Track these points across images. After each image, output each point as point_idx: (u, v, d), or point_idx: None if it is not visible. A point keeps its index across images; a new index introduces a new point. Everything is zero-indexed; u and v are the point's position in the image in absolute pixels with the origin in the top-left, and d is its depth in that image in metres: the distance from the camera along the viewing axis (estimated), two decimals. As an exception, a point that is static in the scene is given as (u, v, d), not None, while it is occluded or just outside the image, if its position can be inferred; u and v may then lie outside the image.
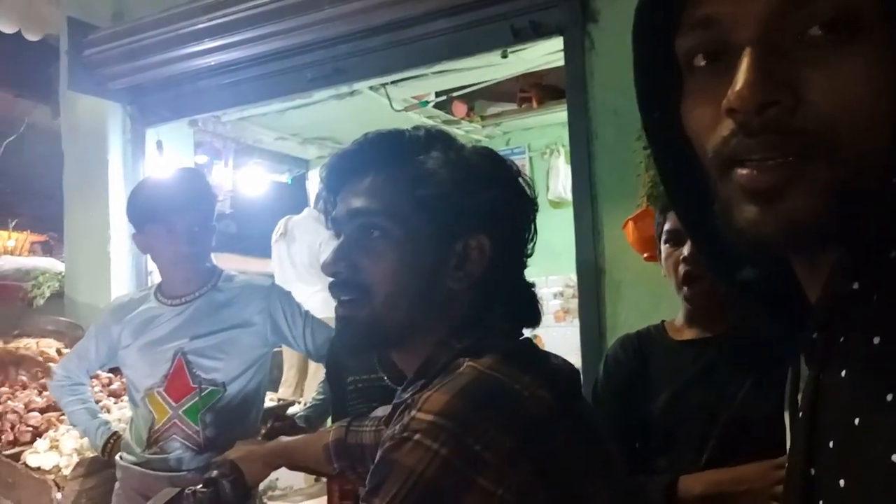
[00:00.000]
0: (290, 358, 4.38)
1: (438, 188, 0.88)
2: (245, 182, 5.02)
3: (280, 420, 2.02)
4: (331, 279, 0.92)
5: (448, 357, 0.86)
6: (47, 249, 7.94)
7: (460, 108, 4.88)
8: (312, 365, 4.27)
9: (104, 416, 2.30)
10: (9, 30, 4.55)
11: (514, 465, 0.72)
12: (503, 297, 0.93)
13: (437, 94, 4.44)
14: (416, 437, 0.73)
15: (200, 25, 3.33)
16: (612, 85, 2.53)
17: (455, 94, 4.52)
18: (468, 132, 5.18)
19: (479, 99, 5.01)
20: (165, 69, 3.64)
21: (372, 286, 0.89)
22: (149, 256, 3.92)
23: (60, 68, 3.98)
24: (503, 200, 0.91)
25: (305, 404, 2.58)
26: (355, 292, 0.90)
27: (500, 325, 0.91)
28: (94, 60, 3.70)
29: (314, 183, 5.51)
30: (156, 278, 3.94)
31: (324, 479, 3.38)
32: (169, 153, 3.92)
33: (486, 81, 4.15)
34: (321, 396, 2.06)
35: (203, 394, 1.94)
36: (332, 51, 3.18)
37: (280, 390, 4.23)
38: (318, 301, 4.47)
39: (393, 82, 3.81)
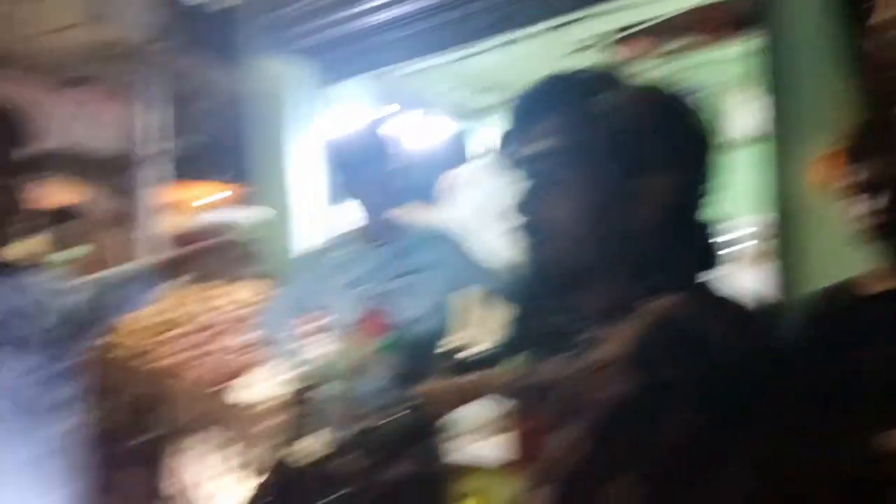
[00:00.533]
0: (467, 300, 4.50)
1: (617, 128, 0.88)
2: (421, 132, 5.15)
3: (459, 359, 2.16)
4: (513, 223, 0.95)
5: (629, 298, 0.86)
6: (239, 202, 8.69)
7: (636, 46, 4.68)
8: (482, 307, 4.37)
9: (305, 353, 2.52)
10: (191, 0, 4.92)
11: (693, 405, 0.73)
12: (683, 239, 0.92)
13: (611, 33, 4.29)
14: (611, 368, 0.76)
15: (377, -21, 3.43)
16: (805, 11, 2.32)
17: (630, 31, 4.34)
18: (645, 70, 4.95)
19: (655, 35, 4.77)
20: (345, 26, 3.79)
21: (556, 229, 0.91)
22: (333, 207, 4.22)
23: (248, 32, 4.26)
24: (682, 139, 0.90)
25: (481, 346, 2.67)
26: (539, 235, 0.92)
27: (681, 267, 0.90)
28: (278, 22, 3.94)
29: (486, 132, 5.56)
30: (338, 227, 4.21)
31: (506, 416, 3.51)
32: (351, 107, 4.11)
33: (662, 16, 3.94)
34: (503, 338, 2.13)
35: (398, 332, 2.10)
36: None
37: (458, 332, 4.36)
38: (493, 246, 4.57)
39: (566, 24, 3.72)
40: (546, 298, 1.25)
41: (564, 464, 0.77)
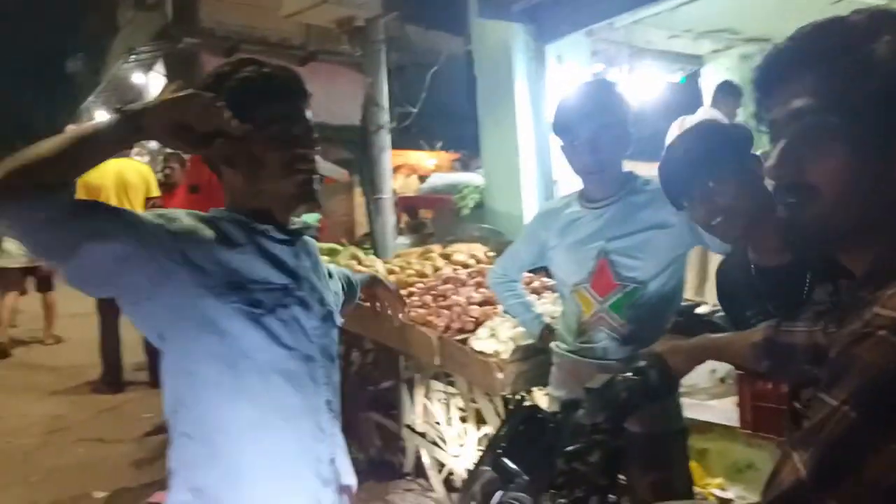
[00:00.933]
0: (690, 260, 4.35)
1: (891, 78, 0.81)
2: (639, 85, 5.00)
3: (686, 316, 2.09)
4: (775, 182, 0.91)
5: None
6: (462, 165, 9.03)
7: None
8: (712, 267, 4.20)
9: (537, 309, 2.60)
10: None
11: None
12: None
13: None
14: (881, 332, 0.72)
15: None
16: None
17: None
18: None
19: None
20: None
21: (821, 187, 0.86)
22: (555, 167, 4.26)
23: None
24: None
25: (713, 305, 2.58)
26: (803, 194, 0.88)
27: None
28: (496, -13, 4.01)
29: (709, 80, 5.26)
30: (560, 187, 4.26)
31: (728, 381, 3.38)
32: (568, 65, 4.10)
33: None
34: (743, 299, 2.04)
35: (626, 290, 2.05)
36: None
37: (692, 290, 4.25)
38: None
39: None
40: (799, 263, 1.18)
41: (825, 432, 0.73)
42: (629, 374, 1.41)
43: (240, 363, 1.29)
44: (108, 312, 5.70)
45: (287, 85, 1.40)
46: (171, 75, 14.20)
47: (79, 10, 23.11)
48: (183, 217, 1.31)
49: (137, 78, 15.50)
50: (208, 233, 1.31)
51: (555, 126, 2.13)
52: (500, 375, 2.67)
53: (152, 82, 15.18)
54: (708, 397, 3.39)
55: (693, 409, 3.16)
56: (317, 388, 1.41)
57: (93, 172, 5.28)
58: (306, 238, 1.51)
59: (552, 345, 2.30)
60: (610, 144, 2.03)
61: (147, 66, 14.55)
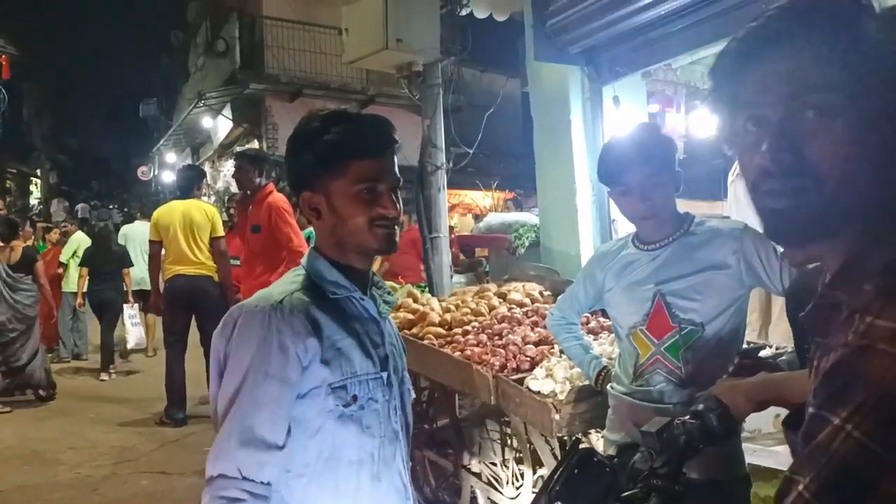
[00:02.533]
0: (752, 301, 4.26)
1: (884, 53, 0.76)
2: (697, 125, 4.97)
3: (749, 359, 2.05)
4: (771, 168, 0.81)
5: (890, 252, 0.76)
6: (517, 205, 9.08)
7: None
8: (776, 309, 4.10)
9: (594, 351, 2.59)
10: (482, 15, 5.26)
11: None
12: None
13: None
14: (881, 346, 0.67)
15: (650, -24, 3.41)
16: None
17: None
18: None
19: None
20: (617, 27, 3.82)
21: (820, 171, 0.78)
22: (612, 207, 4.25)
23: (526, 41, 4.46)
24: None
25: (776, 349, 2.52)
26: (800, 180, 0.79)
27: None
28: (554, 29, 4.08)
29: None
30: (618, 227, 4.25)
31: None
32: (625, 106, 4.12)
33: None
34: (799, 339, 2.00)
35: (683, 332, 2.03)
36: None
37: (754, 331, 4.16)
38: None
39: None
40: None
41: (830, 453, 0.68)
42: (687, 417, 1.39)
43: (334, 450, 1.37)
44: (174, 346, 5.89)
45: (376, 142, 1.43)
46: (238, 119, 14.77)
47: (153, 57, 24.31)
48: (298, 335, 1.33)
49: (206, 122, 16.14)
50: (313, 340, 1.34)
51: (601, 175, 2.15)
52: (556, 416, 2.65)
53: (220, 126, 15.79)
54: (773, 443, 3.28)
55: (757, 454, 3.06)
56: (395, 459, 1.48)
57: (163, 213, 5.52)
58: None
59: (609, 387, 2.29)
60: (657, 189, 2.03)
61: (216, 111, 15.13)
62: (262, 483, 1.27)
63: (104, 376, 7.85)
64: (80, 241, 8.73)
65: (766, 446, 3.23)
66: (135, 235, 9.04)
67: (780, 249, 2.04)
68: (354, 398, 1.36)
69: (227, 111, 14.97)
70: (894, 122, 0.77)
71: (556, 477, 1.27)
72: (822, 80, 0.78)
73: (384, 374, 1.43)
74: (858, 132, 0.77)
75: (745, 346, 2.88)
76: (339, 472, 1.37)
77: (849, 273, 0.81)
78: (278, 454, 1.29)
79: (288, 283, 1.44)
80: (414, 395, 1.62)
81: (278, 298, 1.36)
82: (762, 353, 3.03)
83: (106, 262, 8.11)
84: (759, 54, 0.82)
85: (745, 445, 2.19)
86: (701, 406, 1.40)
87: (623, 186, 2.06)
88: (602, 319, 3.27)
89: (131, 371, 8.23)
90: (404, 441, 1.52)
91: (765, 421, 3.43)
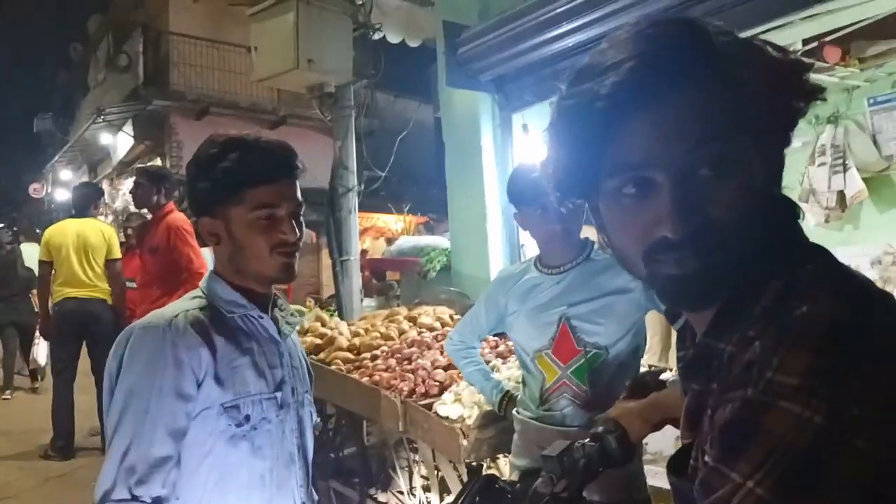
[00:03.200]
0: (653, 326, 4.39)
1: (756, 91, 0.75)
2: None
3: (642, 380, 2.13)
4: (664, 240, 0.76)
5: (772, 292, 0.74)
6: (429, 229, 9.13)
7: (833, 53, 4.34)
8: (675, 335, 4.24)
9: (496, 375, 2.58)
10: (395, 40, 5.28)
11: (893, 420, 0.63)
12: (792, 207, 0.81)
13: (805, 42, 4.01)
14: (782, 403, 0.66)
15: (559, 9, 3.51)
16: None
17: (827, 38, 4.04)
18: (843, 78, 4.60)
19: (855, 40, 4.41)
20: (526, 57, 3.90)
21: (723, 228, 0.74)
22: (521, 231, 4.31)
23: (438, 67, 4.51)
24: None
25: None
26: (709, 241, 0.75)
27: (803, 241, 0.78)
28: (465, 57, 4.13)
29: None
30: (526, 251, 4.31)
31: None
32: (533, 133, 4.20)
33: (864, 20, 3.63)
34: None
35: (588, 356, 2.06)
36: (692, 10, 3.10)
37: (644, 357, 4.28)
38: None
39: (759, 34, 3.56)
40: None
41: None
42: (587, 440, 1.39)
43: (224, 473, 1.34)
44: (62, 373, 5.53)
45: (273, 167, 1.41)
46: (140, 136, 14.23)
47: (50, 71, 23.21)
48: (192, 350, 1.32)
49: (105, 138, 15.47)
50: (207, 354, 1.33)
51: (512, 196, 2.15)
52: (464, 442, 2.62)
53: (121, 142, 15.18)
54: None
55: (658, 476, 3.11)
56: (289, 482, 1.46)
57: (54, 232, 5.17)
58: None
59: (514, 412, 2.28)
60: (572, 213, 2.04)
61: (116, 127, 14.55)
62: (153, 499, 1.24)
63: (7, 395, 7.77)
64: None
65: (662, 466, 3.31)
66: (25, 256, 8.53)
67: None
68: (247, 418, 1.35)
69: (129, 127, 14.41)
70: (763, 155, 0.77)
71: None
72: (707, 131, 0.73)
73: (278, 395, 1.41)
74: (746, 177, 0.75)
75: (646, 369, 2.97)
76: (229, 496, 1.34)
77: (724, 322, 0.78)
78: (170, 468, 1.26)
79: (184, 301, 1.41)
80: (318, 420, 1.58)
81: (173, 315, 1.34)
82: (664, 377, 3.12)
83: (11, 285, 7.91)
84: (633, 112, 0.74)
85: (647, 468, 2.22)
86: (600, 428, 1.39)
87: (539, 207, 2.07)
88: (510, 343, 3.28)
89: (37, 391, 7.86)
90: (301, 464, 1.49)
91: (666, 443, 3.51)
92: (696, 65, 0.73)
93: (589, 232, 2.31)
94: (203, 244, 1.38)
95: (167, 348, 1.29)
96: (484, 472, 1.49)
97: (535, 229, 2.15)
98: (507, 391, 2.43)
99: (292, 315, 1.54)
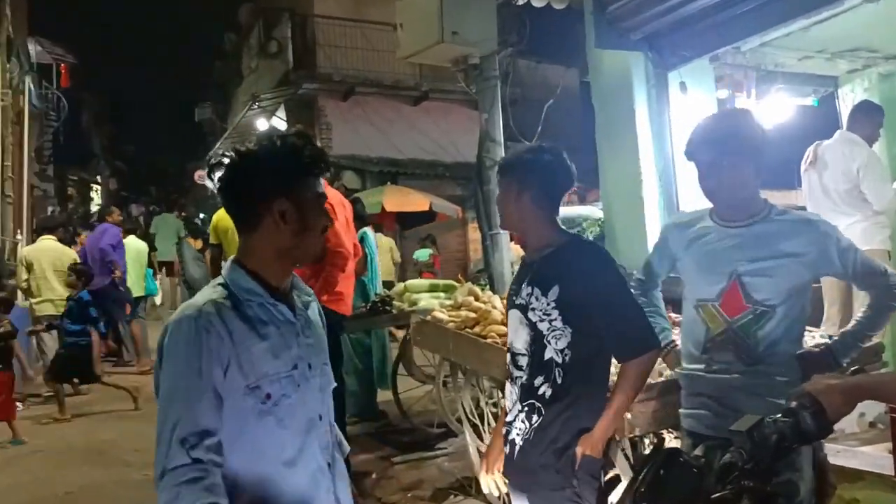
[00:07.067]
0: (831, 295, 4.09)
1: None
2: (768, 110, 4.77)
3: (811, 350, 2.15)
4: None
5: None
6: (580, 199, 8.97)
7: None
8: (856, 304, 3.92)
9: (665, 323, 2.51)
10: (540, 3, 5.14)
11: None
12: None
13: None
14: None
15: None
16: None
17: None
18: None
19: None
20: (682, 10, 3.69)
21: None
22: (680, 198, 4.12)
23: (586, 29, 4.35)
24: None
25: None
26: None
27: None
28: (615, 15, 3.96)
29: (846, 101, 4.96)
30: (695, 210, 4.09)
31: (880, 425, 3.11)
32: (692, 92, 3.97)
33: None
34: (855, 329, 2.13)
35: (756, 312, 2.06)
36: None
37: (822, 327, 3.99)
38: (857, 231, 4.07)
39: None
40: None
41: None
42: (779, 415, 1.33)
43: (255, 444, 1.51)
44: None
45: (325, 161, 1.63)
46: (291, 120, 14.97)
47: (208, 61, 24.84)
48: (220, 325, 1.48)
49: (261, 124, 16.40)
50: (229, 340, 1.48)
51: (686, 152, 2.17)
52: (627, 415, 2.56)
53: (275, 127, 16.04)
54: (857, 443, 3.14)
55: (841, 455, 2.93)
56: (314, 446, 1.60)
57: (222, 216, 5.45)
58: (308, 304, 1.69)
59: (677, 369, 2.29)
60: (731, 171, 2.05)
61: (270, 112, 15.35)
62: (211, 461, 1.40)
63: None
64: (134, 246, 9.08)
65: (850, 447, 3.10)
66: (128, 250, 9.11)
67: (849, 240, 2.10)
68: (269, 396, 1.51)
69: (281, 112, 15.17)
70: None
71: (641, 478, 1.26)
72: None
73: (294, 373, 1.57)
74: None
75: (823, 339, 2.77)
76: (262, 462, 1.51)
77: None
78: (217, 439, 1.43)
79: (209, 289, 1.58)
80: (335, 384, 1.73)
81: (202, 303, 1.51)
82: (818, 341, 2.90)
83: None
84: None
85: (828, 446, 2.14)
86: (794, 403, 1.33)
87: (696, 162, 2.12)
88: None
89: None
90: (324, 429, 1.64)
91: (849, 421, 3.28)
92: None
93: (766, 195, 2.24)
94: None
95: (199, 335, 1.46)
96: (667, 446, 1.49)
97: (701, 184, 2.14)
98: (673, 340, 2.40)
99: (306, 294, 1.70)
